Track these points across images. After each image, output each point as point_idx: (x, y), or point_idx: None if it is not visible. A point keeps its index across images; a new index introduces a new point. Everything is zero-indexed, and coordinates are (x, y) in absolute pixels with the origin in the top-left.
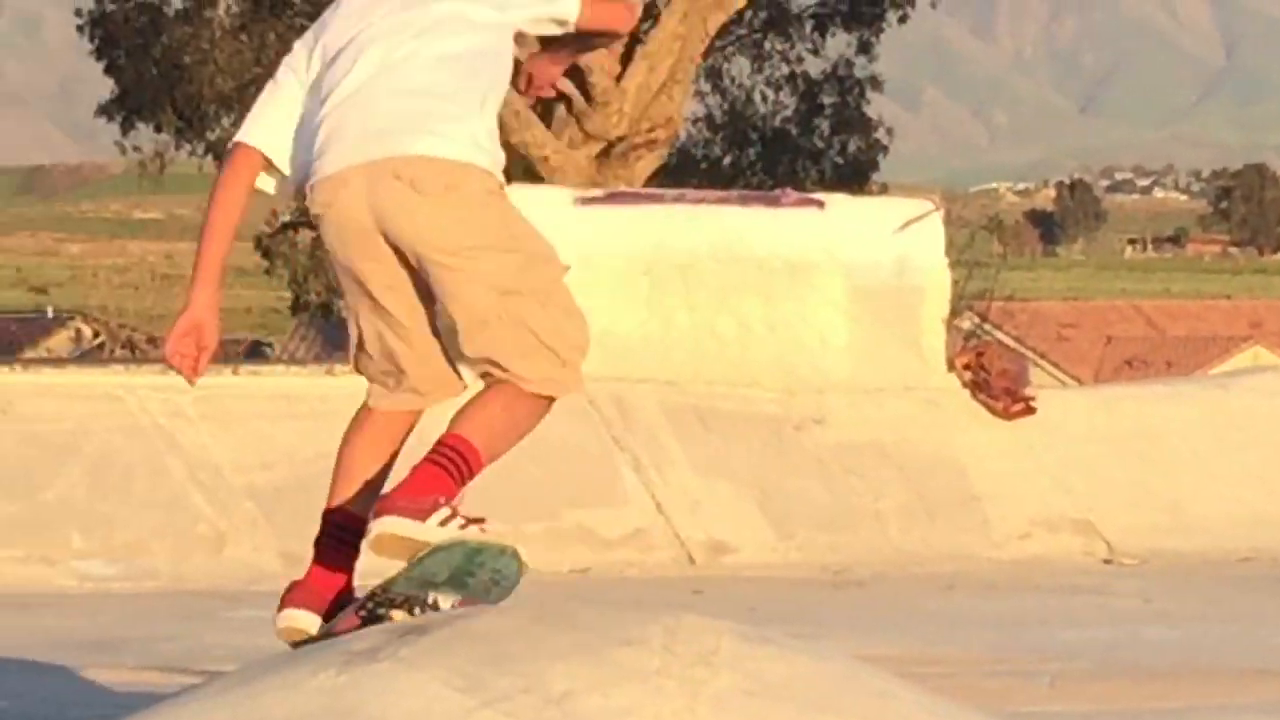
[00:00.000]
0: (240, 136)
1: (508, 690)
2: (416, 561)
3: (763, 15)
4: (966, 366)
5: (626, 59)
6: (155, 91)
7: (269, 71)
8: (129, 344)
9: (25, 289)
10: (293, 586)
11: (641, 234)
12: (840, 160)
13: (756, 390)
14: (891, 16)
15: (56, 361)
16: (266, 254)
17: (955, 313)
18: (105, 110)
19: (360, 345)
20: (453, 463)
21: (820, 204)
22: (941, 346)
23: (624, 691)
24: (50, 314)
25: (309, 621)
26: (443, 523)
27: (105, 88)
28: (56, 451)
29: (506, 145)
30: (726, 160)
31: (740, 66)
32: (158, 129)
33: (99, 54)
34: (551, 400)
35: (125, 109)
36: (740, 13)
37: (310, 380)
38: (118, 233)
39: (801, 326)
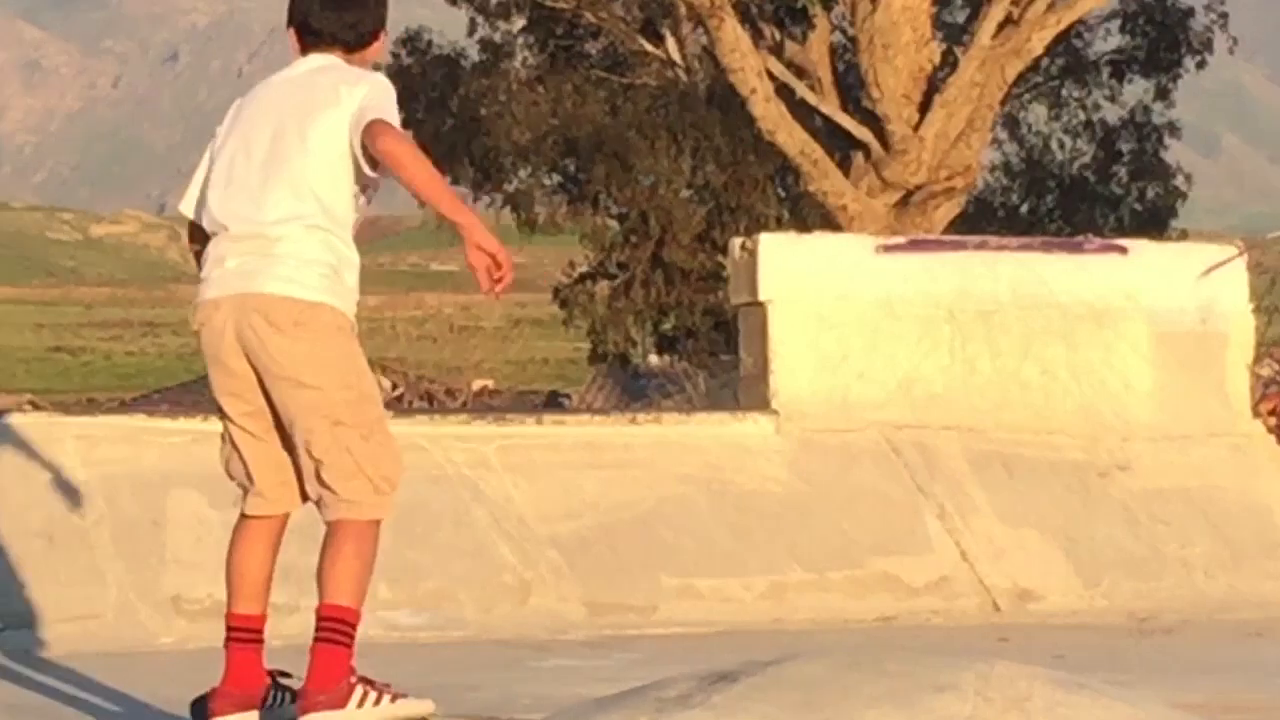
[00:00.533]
0: (182, 208)
1: None
2: None
3: (1060, 63)
4: (1272, 412)
5: (925, 107)
6: (452, 144)
7: (565, 124)
8: (427, 395)
9: None
10: (214, 695)
11: (944, 280)
12: (1139, 207)
13: (1060, 437)
14: (1189, 62)
15: None
16: (564, 304)
17: (1255, 359)
18: None
19: (233, 449)
20: (338, 632)
21: (1123, 250)
22: (1246, 392)
23: None
24: None
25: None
26: (360, 703)
27: None
28: None
29: (805, 194)
30: (1024, 208)
31: (1037, 114)
32: (454, 181)
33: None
34: (379, 521)
35: None
36: (1037, 60)
37: (614, 429)
38: (415, 285)
39: (1105, 372)
